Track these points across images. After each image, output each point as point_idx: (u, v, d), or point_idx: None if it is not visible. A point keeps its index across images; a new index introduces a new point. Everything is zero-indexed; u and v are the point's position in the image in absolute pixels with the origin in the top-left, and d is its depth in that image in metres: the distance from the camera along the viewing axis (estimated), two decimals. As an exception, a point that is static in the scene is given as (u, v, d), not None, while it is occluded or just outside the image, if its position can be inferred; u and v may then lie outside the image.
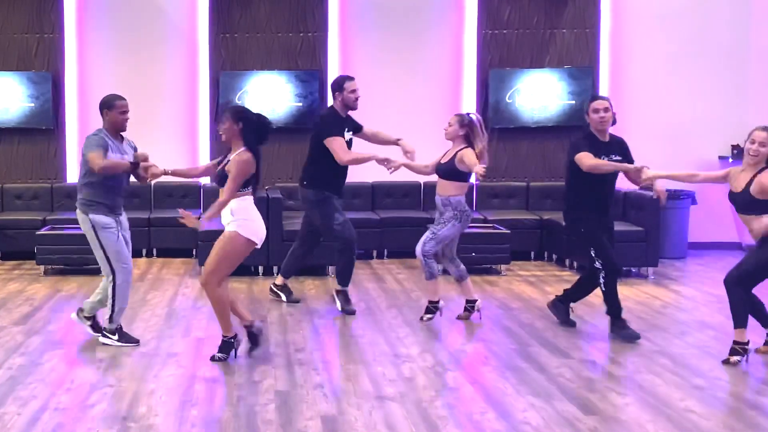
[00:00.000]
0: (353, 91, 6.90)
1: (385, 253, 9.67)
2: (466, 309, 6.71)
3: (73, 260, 8.65)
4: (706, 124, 10.21)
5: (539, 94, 10.26)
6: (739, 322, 5.41)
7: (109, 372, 5.31)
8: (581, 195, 6.09)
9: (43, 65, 10.25)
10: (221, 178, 5.48)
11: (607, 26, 10.34)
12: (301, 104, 10.27)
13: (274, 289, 7.40)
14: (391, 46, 10.32)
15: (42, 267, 8.73)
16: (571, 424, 4.39)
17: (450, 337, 6.28)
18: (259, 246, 5.54)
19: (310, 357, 5.66)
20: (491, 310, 7.11)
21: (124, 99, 5.94)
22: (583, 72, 10.23)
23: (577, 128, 10.32)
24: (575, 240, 6.36)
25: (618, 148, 6.15)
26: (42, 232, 8.81)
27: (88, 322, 6.13)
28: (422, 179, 9.60)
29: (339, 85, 6.92)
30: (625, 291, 7.79)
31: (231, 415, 4.53)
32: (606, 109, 6.05)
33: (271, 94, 10.24)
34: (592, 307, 7.06)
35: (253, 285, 8.11)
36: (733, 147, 10.06)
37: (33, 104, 10.15)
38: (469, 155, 6.28)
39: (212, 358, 5.52)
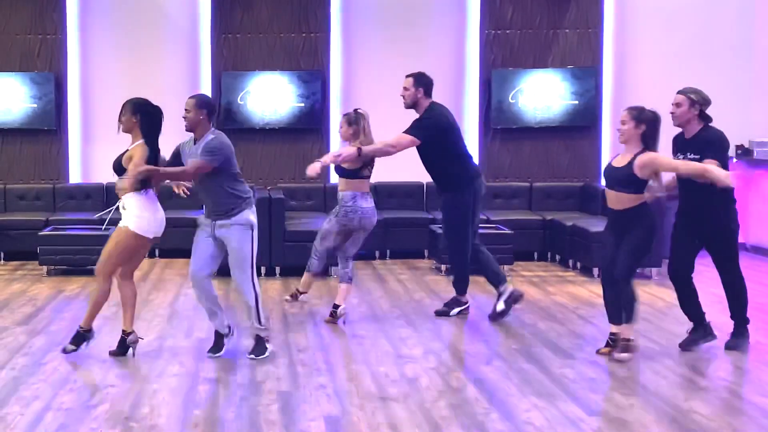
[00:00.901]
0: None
1: (388, 253, 9.66)
2: (330, 313, 6.67)
3: (76, 261, 8.65)
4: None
5: (542, 95, 10.25)
6: (629, 317, 5.53)
7: (112, 372, 5.30)
8: None
9: (46, 66, 10.26)
10: (119, 168, 5.49)
11: (610, 26, 10.33)
12: (303, 105, 10.26)
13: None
14: (393, 46, 10.32)
15: (45, 267, 8.73)
16: (575, 424, 4.37)
17: (453, 337, 6.27)
18: (150, 239, 5.55)
19: (313, 357, 5.65)
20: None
21: (190, 98, 5.70)
22: (586, 72, 10.21)
23: (581, 129, 10.36)
24: None
25: (697, 146, 5.61)
26: (44, 232, 8.81)
27: (230, 338, 5.79)
28: (425, 179, 9.58)
29: None
30: (628, 291, 7.78)
31: (234, 416, 4.53)
32: (678, 104, 5.67)
33: (273, 95, 10.24)
34: (593, 307, 7.05)
35: (256, 285, 8.10)
36: (738, 147, 10.04)
37: (35, 105, 10.16)
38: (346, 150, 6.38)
39: (63, 350, 5.62)
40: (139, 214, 5.45)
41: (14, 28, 10.22)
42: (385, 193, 10.21)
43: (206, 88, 10.33)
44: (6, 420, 4.43)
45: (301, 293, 7.22)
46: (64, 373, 5.27)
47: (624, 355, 5.50)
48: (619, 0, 10.33)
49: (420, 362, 5.54)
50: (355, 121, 6.51)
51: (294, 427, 4.36)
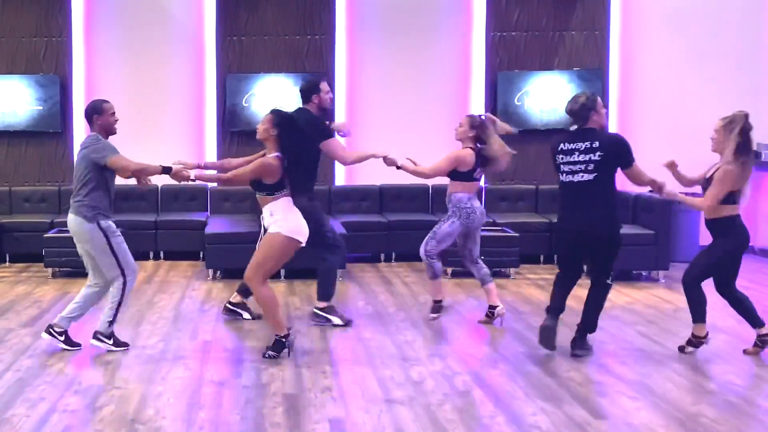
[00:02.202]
0: (327, 92, 6.73)
1: (393, 256, 9.64)
2: (487, 314, 6.69)
3: (81, 262, 8.59)
4: (716, 126, 10.13)
5: (548, 97, 10.23)
6: (698, 318, 5.75)
7: (117, 374, 5.29)
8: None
9: (51, 68, 10.27)
10: (255, 185, 5.63)
11: (616, 27, 10.31)
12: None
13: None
14: (398, 48, 10.31)
15: (50, 269, 8.73)
16: (582, 428, 4.35)
17: (459, 340, 6.24)
18: (303, 243, 5.61)
19: (318, 360, 5.63)
20: (500, 313, 7.08)
21: (109, 102, 5.77)
22: (592, 74, 10.19)
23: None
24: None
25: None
26: (50, 234, 8.81)
27: (62, 338, 5.80)
28: (430, 181, 9.57)
29: (315, 86, 6.78)
30: (636, 294, 7.76)
31: (239, 418, 4.51)
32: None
33: (277, 97, 10.22)
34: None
35: (261, 288, 8.08)
36: (744, 149, 9.99)
37: (41, 107, 10.17)
38: (454, 155, 6.47)
39: (264, 355, 5.60)
40: (287, 218, 5.52)
41: (20, 30, 10.24)
42: (390, 196, 10.19)
43: (211, 91, 10.34)
44: (12, 422, 4.42)
45: (437, 302, 6.83)
46: (69, 375, 5.26)
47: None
48: (626, 1, 10.31)
49: (425, 365, 5.51)
50: (479, 126, 6.51)
51: (299, 429, 4.34)
